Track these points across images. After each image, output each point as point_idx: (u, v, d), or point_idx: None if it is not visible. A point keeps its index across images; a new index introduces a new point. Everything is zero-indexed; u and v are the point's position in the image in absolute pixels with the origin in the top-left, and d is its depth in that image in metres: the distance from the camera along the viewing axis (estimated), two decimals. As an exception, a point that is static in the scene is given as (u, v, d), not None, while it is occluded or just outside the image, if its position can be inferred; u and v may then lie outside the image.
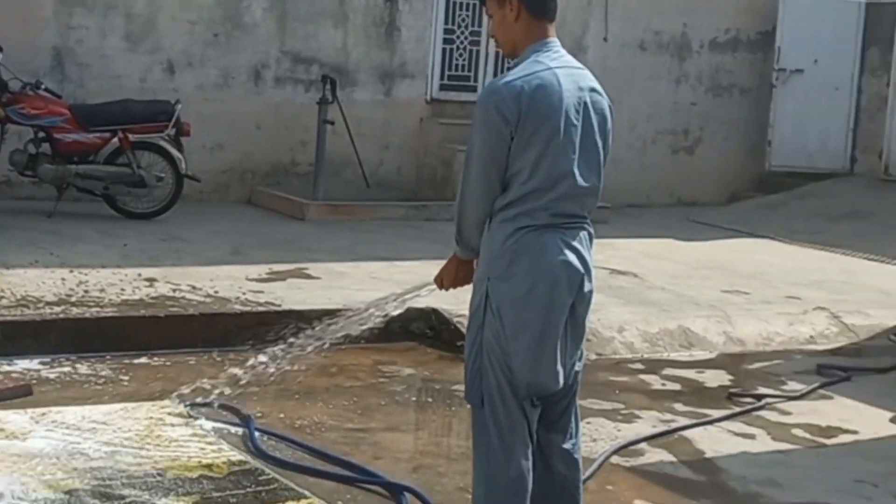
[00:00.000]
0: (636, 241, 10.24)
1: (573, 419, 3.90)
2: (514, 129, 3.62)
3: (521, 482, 3.74)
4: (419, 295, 4.31)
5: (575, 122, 3.68)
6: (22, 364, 6.02)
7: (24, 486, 4.41)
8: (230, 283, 7.41)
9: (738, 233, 11.31)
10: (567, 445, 3.86)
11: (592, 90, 3.78)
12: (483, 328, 3.73)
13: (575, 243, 3.71)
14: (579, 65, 3.82)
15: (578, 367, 3.84)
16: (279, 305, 7.01)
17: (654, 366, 6.95)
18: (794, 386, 6.68)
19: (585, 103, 3.72)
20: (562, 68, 3.73)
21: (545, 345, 3.67)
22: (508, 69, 3.89)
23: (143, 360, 6.32)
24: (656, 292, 8.31)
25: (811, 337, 7.81)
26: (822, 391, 6.62)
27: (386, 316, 4.72)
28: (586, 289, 3.75)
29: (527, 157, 3.64)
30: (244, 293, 7.21)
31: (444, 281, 3.96)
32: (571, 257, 3.69)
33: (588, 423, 5.67)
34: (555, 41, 3.80)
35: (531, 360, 3.66)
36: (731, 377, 6.85)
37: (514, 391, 3.71)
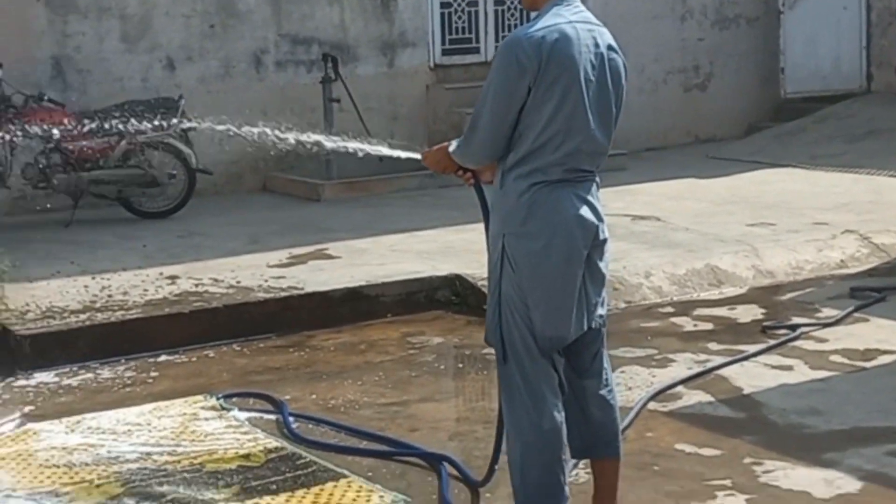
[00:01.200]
0: (656, 185, 10.12)
1: (605, 365, 3.88)
2: (532, 81, 3.61)
3: (555, 434, 3.72)
4: (401, 156, 4.54)
5: (591, 77, 3.68)
6: (51, 373, 6.04)
7: (66, 496, 4.41)
8: (251, 272, 7.38)
9: (758, 164, 11.17)
10: (603, 391, 3.86)
11: (610, 48, 3.76)
12: (501, 283, 3.75)
13: (587, 195, 3.74)
14: (598, 22, 3.79)
15: (602, 311, 3.82)
16: (302, 289, 6.98)
17: (684, 307, 6.87)
18: (828, 312, 6.59)
19: (602, 60, 3.71)
20: (581, 23, 3.71)
21: (564, 297, 3.67)
22: (511, 28, 3.89)
23: (172, 357, 6.31)
24: (680, 233, 8.21)
25: (842, 261, 7.70)
26: (857, 314, 6.53)
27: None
28: (601, 237, 3.75)
29: (543, 109, 3.63)
30: (266, 280, 7.18)
31: (429, 160, 4.02)
32: (585, 210, 3.71)
33: (622, 371, 5.63)
34: None
35: (550, 313, 3.67)
36: (763, 310, 6.76)
37: (538, 344, 3.69)
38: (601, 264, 3.77)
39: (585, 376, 3.83)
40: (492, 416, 5.11)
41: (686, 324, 6.56)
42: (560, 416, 3.74)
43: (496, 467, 4.18)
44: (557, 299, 3.66)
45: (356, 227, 8.76)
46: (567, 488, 3.77)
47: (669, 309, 6.87)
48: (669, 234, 8.19)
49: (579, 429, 3.83)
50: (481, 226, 3.99)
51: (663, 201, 9.42)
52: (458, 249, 7.75)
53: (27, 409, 5.52)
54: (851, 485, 4.30)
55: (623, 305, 6.87)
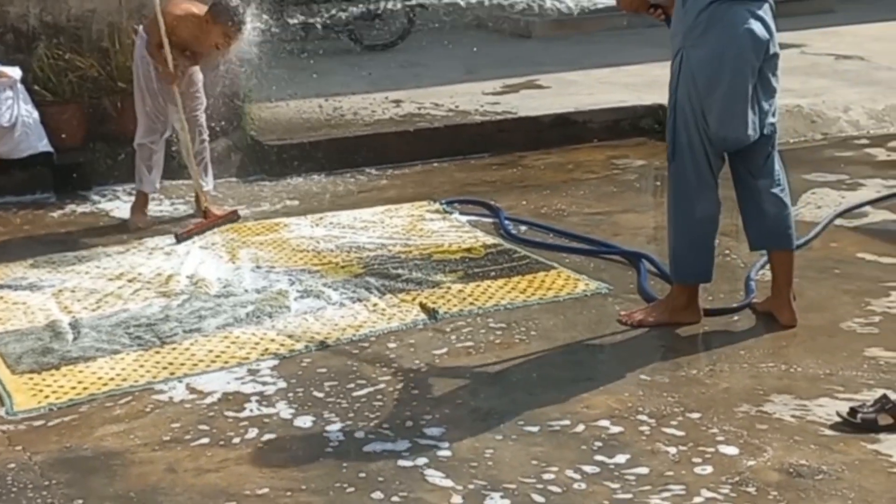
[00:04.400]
0: (863, 27, 10.11)
1: (776, 167, 4.37)
2: None
3: (707, 223, 4.40)
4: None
5: None
6: (293, 181, 6.85)
7: (318, 273, 5.20)
8: (468, 98, 8.00)
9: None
10: (775, 190, 4.40)
11: None
12: (677, 91, 4.33)
13: (760, 13, 4.22)
14: None
15: (772, 119, 4.33)
16: (515, 113, 7.57)
17: (880, 140, 7.16)
18: None
19: None
20: None
21: (736, 101, 4.21)
22: None
23: (399, 170, 7.03)
24: (883, 72, 8.37)
25: None
26: None
27: None
28: (771, 52, 4.25)
29: None
30: (482, 105, 7.80)
31: (623, 1, 4.62)
32: (756, 26, 4.21)
33: (813, 192, 6.06)
34: None
35: (725, 115, 4.23)
36: (959, 145, 6.97)
37: (709, 144, 4.28)
38: (772, 78, 4.28)
39: (759, 176, 4.38)
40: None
41: (880, 154, 6.87)
42: (714, 208, 4.36)
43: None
44: (730, 102, 4.19)
45: (566, 61, 9.22)
46: (713, 271, 4.47)
47: (865, 141, 7.16)
48: (872, 73, 8.36)
49: (757, 223, 4.43)
50: (686, 63, 4.42)
51: (869, 42, 9.48)
52: (662, 83, 7.97)
53: (277, 206, 6.36)
54: None
55: (819, 137, 7.21)
